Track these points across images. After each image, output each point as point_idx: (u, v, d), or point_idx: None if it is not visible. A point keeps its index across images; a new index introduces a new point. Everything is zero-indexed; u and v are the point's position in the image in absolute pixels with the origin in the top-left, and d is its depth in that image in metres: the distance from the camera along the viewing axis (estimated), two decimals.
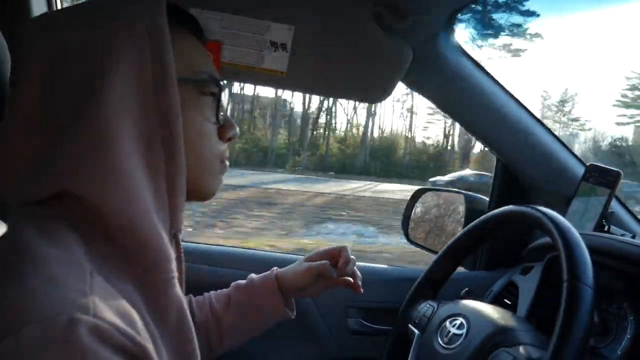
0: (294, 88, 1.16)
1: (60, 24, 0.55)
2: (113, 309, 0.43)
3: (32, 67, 0.52)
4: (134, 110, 0.52)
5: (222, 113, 0.63)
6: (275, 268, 0.91)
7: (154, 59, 0.53)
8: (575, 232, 0.67)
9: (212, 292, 0.92)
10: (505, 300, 1.00)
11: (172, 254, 0.55)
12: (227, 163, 0.66)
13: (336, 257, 0.89)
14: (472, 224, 0.87)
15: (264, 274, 0.91)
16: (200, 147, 0.60)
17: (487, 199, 1.32)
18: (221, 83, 0.64)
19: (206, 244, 1.27)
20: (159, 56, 0.53)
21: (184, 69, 0.58)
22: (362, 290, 0.90)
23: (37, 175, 0.50)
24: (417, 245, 1.38)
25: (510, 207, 0.80)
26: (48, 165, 0.50)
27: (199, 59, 0.62)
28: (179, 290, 0.56)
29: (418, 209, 1.40)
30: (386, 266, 1.31)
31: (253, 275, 0.92)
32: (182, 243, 0.60)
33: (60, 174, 0.49)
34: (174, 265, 0.55)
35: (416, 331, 0.84)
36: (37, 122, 0.51)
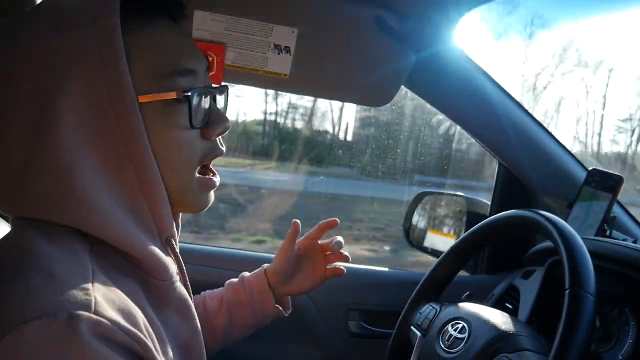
0: (295, 91, 1.16)
1: (11, 35, 0.49)
2: (115, 306, 0.43)
3: None
4: (93, 133, 0.48)
5: (201, 112, 0.56)
6: (265, 265, 0.89)
7: (106, 73, 0.47)
8: (578, 239, 0.67)
9: (208, 291, 0.90)
10: (506, 304, 1.00)
11: (168, 261, 0.54)
12: (216, 179, 0.60)
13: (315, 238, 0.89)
14: (475, 227, 0.87)
15: (255, 271, 0.89)
16: (176, 157, 0.54)
17: (489, 202, 1.33)
18: (195, 71, 0.56)
19: (214, 246, 1.27)
20: (110, 68, 0.47)
21: (146, 75, 0.51)
22: (344, 271, 0.90)
23: (13, 204, 0.49)
24: (418, 248, 1.38)
25: (513, 211, 0.80)
26: (19, 197, 0.48)
27: (166, 55, 0.53)
28: (181, 292, 0.56)
29: (419, 212, 1.40)
30: (387, 269, 1.31)
31: (245, 274, 0.90)
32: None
33: (32, 207, 0.48)
34: (173, 271, 0.55)
35: (418, 333, 0.84)
36: (4, 147, 0.48)
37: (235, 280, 0.90)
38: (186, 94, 0.54)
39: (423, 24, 1.00)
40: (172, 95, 0.53)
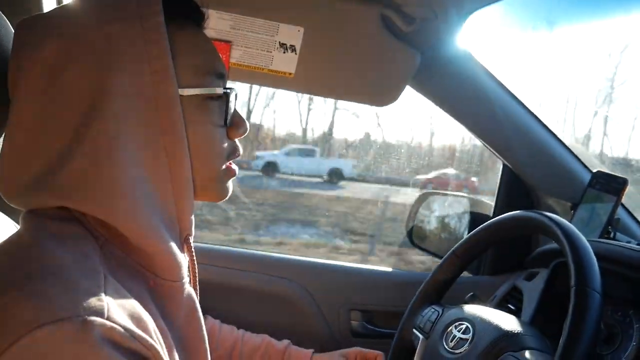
0: (300, 90, 1.16)
1: (55, 28, 0.50)
2: (126, 312, 0.43)
3: (29, 80, 0.49)
4: (135, 121, 0.49)
5: (230, 112, 0.59)
6: (312, 350, 0.94)
7: (151, 66, 0.50)
8: (583, 239, 0.67)
9: (242, 333, 0.94)
10: (509, 305, 1.00)
11: (183, 260, 0.54)
12: (236, 168, 0.62)
13: None
14: (478, 228, 0.87)
15: (301, 351, 0.94)
16: (208, 151, 0.56)
17: (492, 203, 1.32)
18: (228, 82, 0.60)
19: (215, 244, 1.27)
20: (156, 62, 0.50)
21: (187, 71, 0.54)
22: None
23: (41, 190, 0.49)
24: (421, 249, 1.38)
25: (517, 212, 0.80)
26: (50, 182, 0.48)
27: (203, 55, 0.57)
28: (190, 293, 0.56)
29: (422, 212, 1.40)
30: (390, 269, 1.31)
31: (291, 346, 0.94)
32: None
33: (61, 193, 0.48)
34: (184, 271, 0.55)
35: (420, 336, 0.84)
36: (37, 138, 0.49)
37: (278, 345, 0.94)
38: (227, 91, 0.57)
39: (429, 24, 1.00)
40: (215, 91, 0.56)
